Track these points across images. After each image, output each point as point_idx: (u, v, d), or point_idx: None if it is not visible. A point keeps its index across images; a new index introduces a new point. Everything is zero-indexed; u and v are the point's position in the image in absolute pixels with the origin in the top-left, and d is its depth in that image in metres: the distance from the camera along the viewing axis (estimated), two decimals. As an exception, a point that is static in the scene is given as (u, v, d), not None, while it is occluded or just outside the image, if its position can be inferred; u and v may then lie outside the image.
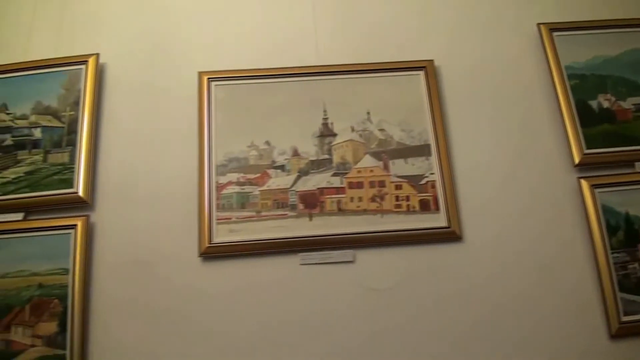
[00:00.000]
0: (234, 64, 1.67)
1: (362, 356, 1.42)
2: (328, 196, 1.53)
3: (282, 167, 1.57)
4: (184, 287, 1.48)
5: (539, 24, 1.71)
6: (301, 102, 1.61)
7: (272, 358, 1.43)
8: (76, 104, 1.64)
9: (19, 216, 1.56)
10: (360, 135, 1.59)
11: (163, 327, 1.46)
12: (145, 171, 1.58)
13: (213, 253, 1.49)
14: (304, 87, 1.63)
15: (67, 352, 1.43)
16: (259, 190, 1.55)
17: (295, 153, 1.57)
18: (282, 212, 1.52)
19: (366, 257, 1.50)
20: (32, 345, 1.45)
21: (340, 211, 1.52)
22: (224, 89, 1.63)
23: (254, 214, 1.52)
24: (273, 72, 1.64)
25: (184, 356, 1.43)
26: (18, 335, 1.47)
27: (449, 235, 1.50)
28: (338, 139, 1.59)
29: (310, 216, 1.52)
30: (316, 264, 1.49)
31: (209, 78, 1.63)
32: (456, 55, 1.71)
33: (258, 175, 1.56)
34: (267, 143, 1.58)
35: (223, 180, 1.55)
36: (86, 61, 1.67)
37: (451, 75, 1.68)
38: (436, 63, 1.67)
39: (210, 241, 1.49)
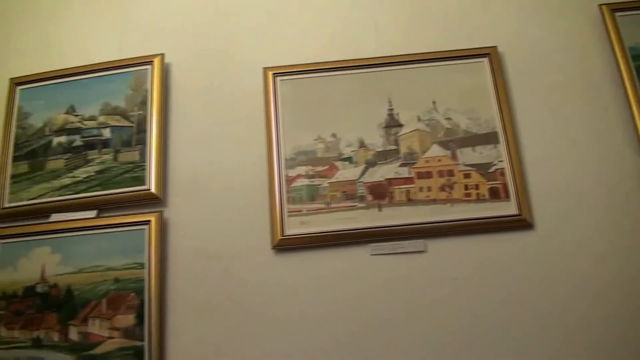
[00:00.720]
0: (297, 58, 1.73)
1: (435, 346, 1.46)
2: (397, 187, 1.59)
3: (349, 159, 1.63)
4: (257, 279, 1.55)
5: (600, 5, 1.75)
6: (366, 93, 1.67)
7: (346, 349, 1.47)
8: (144, 104, 1.73)
9: (92, 214, 1.65)
10: (427, 125, 1.65)
11: (237, 318, 1.52)
12: (214, 167, 1.66)
13: (285, 245, 1.55)
14: (368, 78, 1.69)
15: (146, 344, 1.50)
16: (328, 183, 1.61)
17: (362, 145, 1.64)
18: (352, 204, 1.58)
19: (437, 247, 1.55)
20: (110, 337, 1.53)
21: (410, 201, 1.57)
22: (289, 84, 1.71)
23: (323, 205, 1.59)
24: (336, 64, 1.70)
25: (259, 348, 1.50)
26: (95, 327, 1.55)
27: (520, 223, 1.54)
28: (404, 129, 1.65)
29: (380, 207, 1.57)
30: (387, 254, 1.54)
31: (273, 73, 1.71)
32: (519, 41, 1.74)
33: (326, 167, 1.63)
34: (334, 135, 1.65)
35: (292, 173, 1.62)
36: (152, 61, 1.77)
37: (515, 61, 1.72)
38: (500, 49, 1.72)
39: (283, 233, 1.56)
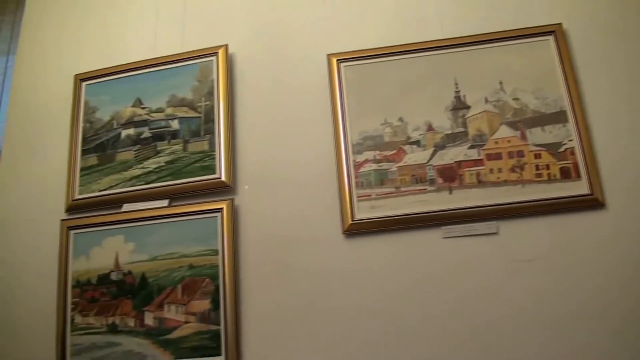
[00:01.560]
0: (361, 44, 1.80)
1: (508, 328, 1.50)
2: (466, 169, 1.65)
3: (417, 143, 1.70)
4: (328, 264, 1.62)
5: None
6: (431, 76, 1.74)
7: (418, 333, 1.53)
8: (210, 94, 1.84)
9: (164, 203, 1.76)
10: (495, 106, 1.70)
11: (309, 303, 1.60)
12: (282, 153, 1.75)
13: (356, 230, 1.63)
14: (433, 61, 1.75)
15: (222, 328, 1.60)
16: (397, 167, 1.68)
17: (430, 128, 1.71)
18: (422, 187, 1.65)
19: (509, 229, 1.60)
20: (186, 322, 1.63)
21: (480, 183, 1.63)
22: (354, 70, 1.78)
23: (393, 190, 1.66)
24: (400, 48, 1.76)
25: (331, 332, 1.57)
26: (171, 313, 1.66)
27: (592, 203, 1.57)
28: (472, 111, 1.71)
29: (450, 189, 1.64)
30: (459, 236, 1.61)
31: (338, 60, 1.79)
32: (583, 17, 1.75)
33: (394, 152, 1.70)
34: (401, 120, 1.73)
35: (360, 158, 1.70)
36: (216, 53, 1.87)
37: (581, 38, 1.73)
38: (564, 26, 1.76)
39: (353, 218, 1.63)
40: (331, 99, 1.74)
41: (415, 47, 1.76)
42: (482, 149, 1.65)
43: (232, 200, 1.68)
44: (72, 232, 1.80)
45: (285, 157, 1.73)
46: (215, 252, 1.65)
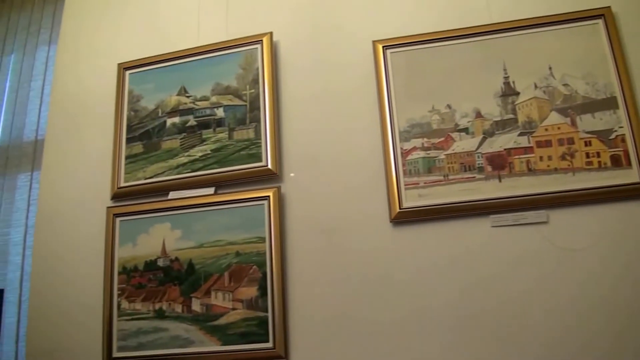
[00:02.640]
0: (407, 30, 1.86)
1: (557, 318, 1.55)
2: (516, 156, 1.72)
3: (465, 130, 1.78)
4: (375, 252, 1.70)
5: None
6: (479, 62, 1.80)
7: (465, 322, 1.59)
8: (255, 82, 1.94)
9: (211, 190, 1.88)
10: (544, 92, 1.76)
11: (355, 290, 1.68)
12: (328, 142, 1.83)
13: (404, 218, 1.71)
14: (481, 46, 1.81)
15: (269, 314, 1.70)
16: (444, 155, 1.76)
17: (478, 115, 1.78)
18: (470, 175, 1.73)
19: (560, 217, 1.66)
20: (234, 309, 1.75)
21: (530, 171, 1.70)
22: (400, 56, 1.86)
23: (441, 178, 1.74)
24: (447, 34, 1.82)
25: (377, 319, 1.66)
26: (218, 299, 1.77)
27: (643, 191, 1.63)
28: (521, 97, 1.77)
29: (500, 177, 1.71)
30: (509, 225, 1.68)
31: (383, 46, 1.87)
32: (633, 0, 1.79)
33: (442, 139, 1.78)
34: (448, 107, 1.80)
35: (407, 146, 1.78)
36: (261, 40, 1.96)
37: (630, 21, 1.75)
38: (613, 9, 1.77)
39: (401, 206, 1.72)
40: (377, 86, 1.82)
41: (463, 33, 1.82)
42: (532, 136, 1.71)
43: (278, 188, 1.79)
44: (118, 219, 1.93)
45: (331, 145, 1.82)
46: (262, 240, 1.75)
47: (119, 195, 1.95)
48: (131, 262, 1.86)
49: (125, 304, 1.83)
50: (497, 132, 1.72)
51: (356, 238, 1.71)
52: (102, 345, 1.81)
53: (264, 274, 1.71)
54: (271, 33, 1.94)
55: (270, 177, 1.80)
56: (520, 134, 1.70)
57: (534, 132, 1.70)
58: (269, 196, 1.76)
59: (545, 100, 1.72)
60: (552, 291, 1.58)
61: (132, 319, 1.81)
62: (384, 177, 1.73)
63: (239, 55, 1.95)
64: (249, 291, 1.71)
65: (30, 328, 1.93)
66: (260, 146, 1.82)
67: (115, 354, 1.79)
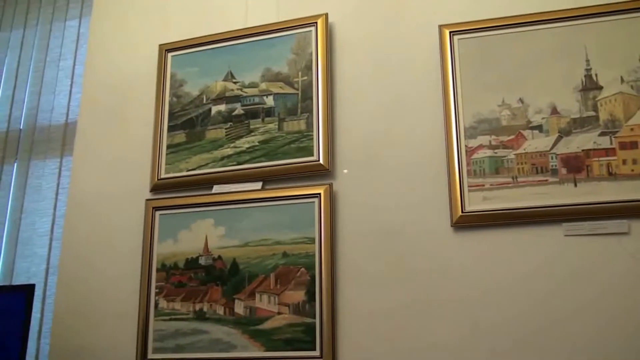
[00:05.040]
0: (477, 14, 1.93)
1: (634, 335, 1.63)
2: (595, 159, 1.80)
3: (539, 128, 1.86)
4: (434, 258, 1.79)
5: None
6: (558, 51, 1.84)
7: (527, 335, 1.68)
8: (308, 69, 2.06)
9: (257, 185, 2.04)
10: (632, 87, 1.82)
11: (411, 298, 1.79)
12: (385, 136, 1.93)
13: (466, 222, 1.79)
14: (560, 33, 1.84)
15: (317, 321, 1.84)
16: (514, 154, 1.86)
17: (554, 111, 1.86)
18: (542, 178, 1.82)
19: (642, 229, 1.74)
20: (279, 313, 1.89)
21: (611, 175, 1.77)
22: (468, 43, 1.94)
23: (509, 180, 1.84)
24: (522, 19, 1.87)
25: (432, 330, 1.76)
26: (263, 302, 1.92)
27: None
28: (604, 93, 1.84)
29: (575, 182, 1.80)
30: (584, 235, 1.77)
31: (451, 32, 1.95)
32: None
33: (512, 137, 1.87)
34: (520, 101, 1.90)
35: (473, 143, 1.87)
36: (315, 23, 2.08)
37: None
38: None
39: (463, 210, 1.83)
40: (442, 76, 1.91)
41: (540, 18, 1.87)
42: (615, 137, 1.77)
43: (330, 185, 1.92)
44: (157, 212, 2.11)
45: (389, 140, 1.92)
46: (311, 240, 1.89)
47: (158, 187, 2.11)
48: (171, 259, 2.02)
49: (163, 303, 1.99)
50: (574, 131, 1.80)
51: (413, 243, 1.82)
52: (137, 346, 1.96)
53: (312, 277, 1.84)
54: (326, 15, 2.05)
55: (322, 173, 1.93)
56: (601, 134, 1.77)
57: (617, 132, 1.77)
58: (319, 194, 1.89)
59: (632, 96, 1.78)
60: (629, 307, 1.64)
61: (170, 319, 1.97)
62: (446, 177, 1.83)
63: (291, 38, 2.08)
64: (296, 295, 1.86)
65: (56, 324, 2.12)
66: (311, 139, 1.95)
67: (151, 356, 1.95)
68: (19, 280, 2.45)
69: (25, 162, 2.65)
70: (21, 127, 2.72)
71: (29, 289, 1.88)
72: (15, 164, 2.66)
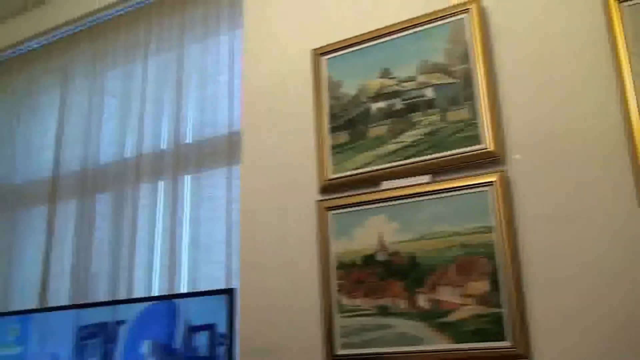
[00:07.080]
0: None
1: None
2: None
3: None
4: (620, 248, 1.75)
5: None
6: None
7: None
8: (465, 57, 2.06)
9: (426, 178, 2.06)
10: None
11: (604, 281, 1.77)
12: (557, 115, 1.88)
13: (655, 200, 1.73)
14: None
15: (504, 310, 1.85)
16: None
17: None
18: None
19: None
20: (464, 304, 1.92)
21: None
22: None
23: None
24: None
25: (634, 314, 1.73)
26: (446, 294, 1.95)
27: None
28: None
29: None
30: None
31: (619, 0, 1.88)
32: None
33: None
34: None
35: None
36: (468, 9, 2.08)
37: None
38: None
39: (651, 188, 1.74)
40: (614, 50, 1.83)
41: None
42: None
43: (503, 171, 1.91)
44: (330, 212, 2.20)
45: (561, 120, 1.87)
46: (488, 229, 1.89)
47: (327, 188, 2.22)
48: (348, 256, 2.12)
49: (345, 300, 2.08)
50: None
51: (595, 230, 1.78)
52: (323, 343, 2.08)
53: (494, 267, 1.85)
54: (479, -1, 2.03)
55: (491, 160, 1.93)
56: None
57: None
58: (493, 181, 1.89)
59: None
60: None
61: (355, 316, 2.06)
62: (628, 156, 1.76)
63: (444, 27, 2.09)
64: (480, 285, 1.87)
65: (243, 326, 2.28)
66: (477, 127, 1.95)
67: (339, 352, 2.06)
68: (203, 286, 2.61)
69: (196, 174, 2.81)
70: (189, 142, 2.88)
71: (231, 292, 2.03)
72: (189, 177, 2.83)
